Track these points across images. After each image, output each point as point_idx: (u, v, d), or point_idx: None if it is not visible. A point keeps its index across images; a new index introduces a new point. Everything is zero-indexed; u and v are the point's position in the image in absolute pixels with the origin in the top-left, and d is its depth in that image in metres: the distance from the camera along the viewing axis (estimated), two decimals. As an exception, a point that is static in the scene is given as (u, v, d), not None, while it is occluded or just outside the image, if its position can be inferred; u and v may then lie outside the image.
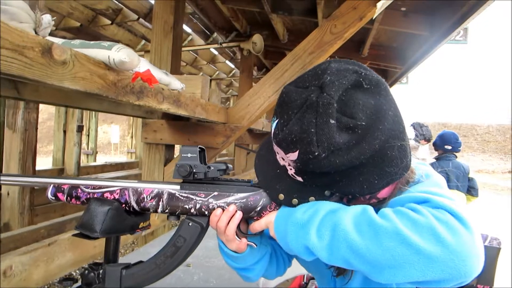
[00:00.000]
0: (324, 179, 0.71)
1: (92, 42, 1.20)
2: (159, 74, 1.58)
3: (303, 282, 1.97)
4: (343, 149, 0.65)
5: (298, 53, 2.52)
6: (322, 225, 0.68)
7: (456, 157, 4.09)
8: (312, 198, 0.74)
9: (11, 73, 0.84)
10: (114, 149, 18.07)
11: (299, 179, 0.74)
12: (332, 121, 0.65)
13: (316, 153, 0.65)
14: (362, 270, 0.65)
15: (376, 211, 0.68)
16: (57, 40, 1.13)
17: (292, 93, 0.70)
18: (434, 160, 4.21)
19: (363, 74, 0.68)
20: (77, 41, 1.20)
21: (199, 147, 0.84)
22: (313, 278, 1.99)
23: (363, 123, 0.65)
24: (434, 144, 4.29)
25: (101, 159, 10.72)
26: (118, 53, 1.17)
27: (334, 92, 0.65)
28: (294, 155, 0.69)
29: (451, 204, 0.64)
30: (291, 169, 0.73)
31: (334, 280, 0.94)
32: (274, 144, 0.74)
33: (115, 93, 1.28)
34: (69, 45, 1.11)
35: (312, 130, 0.65)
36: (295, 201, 0.75)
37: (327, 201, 0.74)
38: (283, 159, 0.73)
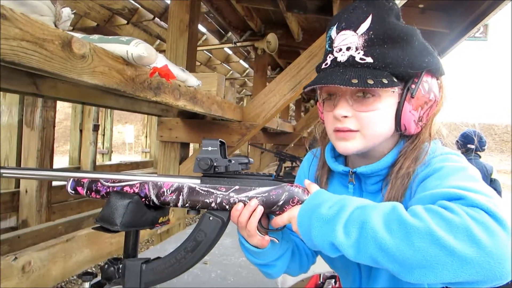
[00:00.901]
0: (391, 54, 0.77)
1: (110, 37, 1.20)
2: (176, 70, 1.57)
3: (319, 282, 1.95)
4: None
5: (314, 50, 2.48)
6: (349, 222, 0.66)
7: (480, 157, 3.97)
8: (385, 79, 0.76)
9: (31, 66, 0.84)
10: (128, 149, 18.26)
11: (370, 59, 0.78)
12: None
13: (390, 4, 0.79)
14: (390, 269, 0.62)
15: (406, 207, 0.65)
16: (76, 35, 1.13)
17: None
18: None
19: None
20: (95, 36, 1.20)
21: (220, 140, 0.82)
22: (329, 278, 1.96)
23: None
24: (457, 142, 4.18)
25: (116, 159, 10.83)
26: (137, 48, 1.17)
27: None
28: (366, 24, 0.78)
29: (488, 202, 0.61)
30: (359, 53, 0.78)
31: (360, 278, 0.92)
32: (336, 35, 0.81)
33: (133, 88, 1.27)
34: (88, 40, 1.11)
35: None
36: (370, 81, 0.76)
37: (353, 197, 0.71)
38: (349, 48, 0.79)
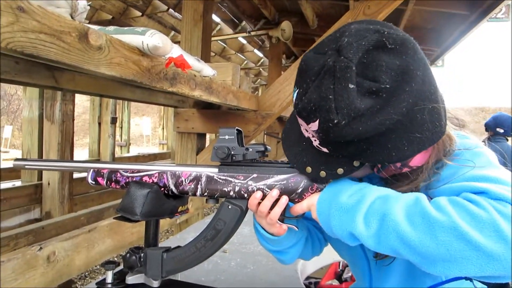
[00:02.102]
0: (349, 149, 0.66)
1: (126, 28, 1.20)
2: (191, 60, 1.57)
3: (338, 270, 1.94)
4: (366, 115, 0.61)
5: (329, 37, 2.45)
6: (370, 213, 0.65)
7: (508, 140, 3.88)
8: (341, 169, 0.70)
9: (50, 58, 0.84)
10: (146, 141, 18.49)
11: (325, 150, 0.70)
12: (352, 86, 0.60)
13: (336, 121, 0.62)
14: (412, 260, 0.61)
15: (426, 194, 0.64)
16: (92, 27, 1.14)
17: (311, 60, 0.67)
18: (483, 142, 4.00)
19: (385, 33, 0.62)
20: (111, 28, 1.20)
21: (237, 129, 0.82)
22: (349, 266, 1.96)
23: (387, 86, 0.60)
24: (486, 124, 4.09)
25: (134, 151, 10.99)
26: (152, 38, 1.17)
27: (353, 54, 0.61)
28: (315, 125, 0.66)
29: None
30: (315, 140, 0.70)
31: (369, 269, 0.91)
32: (296, 115, 0.72)
33: (149, 79, 1.27)
34: (104, 32, 1.11)
35: (330, 96, 0.62)
36: (322, 173, 0.72)
37: (374, 186, 0.70)
38: (307, 131, 0.71)
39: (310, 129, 0.68)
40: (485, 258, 0.54)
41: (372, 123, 0.61)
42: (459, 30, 3.73)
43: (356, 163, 0.70)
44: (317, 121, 0.65)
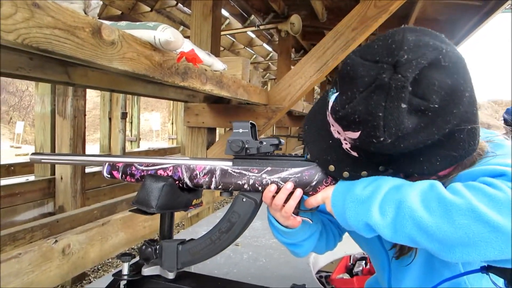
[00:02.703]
0: (382, 158, 0.67)
1: (137, 23, 1.21)
2: (202, 55, 1.57)
3: (349, 264, 1.95)
4: (410, 134, 0.60)
5: (340, 29, 2.42)
6: (385, 202, 0.64)
7: None
8: (365, 172, 0.70)
9: (64, 54, 0.85)
10: (155, 136, 18.60)
11: (354, 154, 0.70)
12: (404, 106, 0.58)
13: (382, 139, 0.60)
14: (429, 248, 0.60)
15: (444, 186, 0.63)
16: (105, 22, 1.14)
17: (359, 66, 0.62)
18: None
19: (443, 50, 0.59)
20: (123, 23, 1.20)
21: (251, 122, 0.82)
22: (360, 260, 1.96)
23: (436, 106, 0.58)
24: (504, 119, 4.02)
25: (144, 146, 11.07)
26: (164, 33, 1.17)
27: (410, 73, 0.58)
28: (354, 135, 0.64)
29: None
30: (346, 143, 0.69)
31: (388, 262, 0.90)
32: (330, 117, 0.70)
33: (161, 74, 1.28)
34: (116, 27, 1.12)
35: (380, 114, 0.59)
36: (346, 174, 0.72)
37: (388, 177, 0.70)
38: (339, 133, 0.69)
39: (346, 135, 0.67)
40: (505, 239, 0.54)
41: (414, 141, 0.61)
42: (472, 22, 3.67)
43: (381, 168, 0.70)
44: (359, 132, 0.63)
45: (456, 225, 0.56)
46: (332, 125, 0.70)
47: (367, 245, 0.96)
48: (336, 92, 0.67)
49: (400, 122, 0.59)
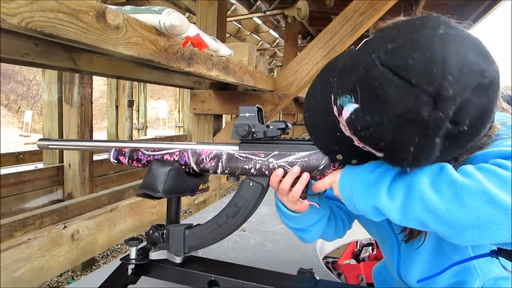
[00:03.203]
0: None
1: (142, 7, 1.19)
2: (208, 40, 1.55)
3: (356, 250, 1.95)
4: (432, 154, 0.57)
5: (348, 14, 2.38)
6: (394, 185, 0.63)
7: None
8: (373, 159, 0.68)
9: (68, 38, 0.84)
10: (162, 124, 18.66)
11: (368, 149, 0.65)
12: (438, 140, 0.54)
13: (405, 163, 0.59)
14: (439, 231, 0.59)
15: (455, 169, 0.62)
16: (109, 6, 1.13)
17: (390, 86, 0.53)
18: None
19: (487, 74, 0.53)
20: (128, 7, 1.19)
21: (257, 106, 0.81)
22: (366, 245, 1.96)
23: (465, 128, 0.54)
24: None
25: (151, 134, 11.11)
26: (169, 17, 1.16)
27: (452, 109, 0.52)
28: (374, 151, 0.62)
29: None
30: (359, 143, 0.64)
31: (398, 246, 0.90)
32: (346, 127, 0.63)
33: (167, 59, 1.27)
34: (121, 11, 1.11)
35: (411, 148, 0.55)
36: (354, 161, 0.71)
37: None
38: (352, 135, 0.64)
39: (359, 143, 0.64)
40: None
41: (434, 159, 0.59)
42: (484, 4, 3.59)
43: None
44: (381, 154, 0.61)
45: (467, 207, 0.55)
46: (344, 126, 0.65)
47: (376, 229, 0.96)
48: (355, 102, 0.59)
49: (430, 154, 0.56)
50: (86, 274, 3.35)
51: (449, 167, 0.61)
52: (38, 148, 1.00)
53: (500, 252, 0.66)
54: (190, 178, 0.86)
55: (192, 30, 1.40)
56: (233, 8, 4.92)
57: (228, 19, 4.58)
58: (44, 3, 0.78)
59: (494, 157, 0.61)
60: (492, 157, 0.62)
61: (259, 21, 6.08)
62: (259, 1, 4.57)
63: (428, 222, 0.59)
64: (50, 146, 0.96)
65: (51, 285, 3.31)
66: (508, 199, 0.53)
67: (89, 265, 3.57)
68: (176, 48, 1.31)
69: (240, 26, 6.10)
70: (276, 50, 7.93)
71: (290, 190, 0.79)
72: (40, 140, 0.97)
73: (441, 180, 0.59)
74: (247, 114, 0.80)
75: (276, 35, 6.86)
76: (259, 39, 7.06)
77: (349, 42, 2.41)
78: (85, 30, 0.89)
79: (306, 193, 0.83)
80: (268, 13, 4.43)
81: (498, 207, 0.53)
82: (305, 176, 0.77)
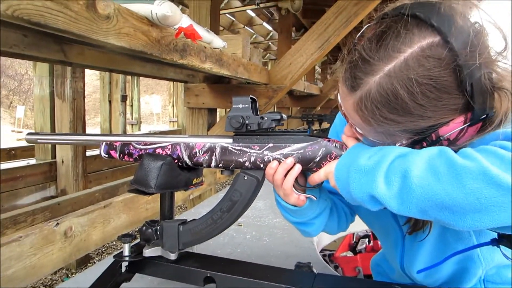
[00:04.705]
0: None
1: (133, -3, 1.16)
2: (201, 31, 1.52)
3: (352, 242, 1.94)
4: None
5: (342, 5, 2.36)
6: (391, 171, 0.60)
7: None
8: None
9: (57, 27, 0.82)
10: (156, 119, 18.57)
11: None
12: None
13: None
14: (439, 218, 0.57)
15: (455, 152, 0.60)
16: (98, -4, 1.10)
17: None
18: None
19: None
20: (118, -3, 1.16)
21: (251, 97, 0.79)
22: (363, 237, 1.95)
23: None
24: None
25: (145, 129, 11.06)
26: (161, 7, 1.13)
27: None
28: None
29: None
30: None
31: (402, 238, 0.88)
32: None
33: (159, 50, 1.24)
34: (111, 0, 1.08)
35: None
36: None
37: (395, 146, 0.65)
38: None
39: None
40: None
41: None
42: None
43: None
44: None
45: (467, 190, 0.53)
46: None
47: (379, 222, 0.93)
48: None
49: None
50: (81, 272, 3.33)
51: (448, 149, 0.58)
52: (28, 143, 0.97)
53: (501, 240, 0.65)
54: (183, 172, 0.84)
55: (185, 21, 1.37)
56: (226, 0, 4.87)
57: (221, 12, 4.54)
58: (30, -9, 0.75)
59: (495, 139, 0.59)
60: (492, 139, 0.60)
61: (252, 14, 6.04)
62: (252, -7, 4.54)
63: (427, 209, 0.57)
64: (39, 140, 0.93)
65: (45, 283, 3.29)
66: (509, 179, 0.51)
67: (84, 262, 3.55)
68: (168, 40, 1.29)
69: (234, 19, 6.06)
70: (270, 43, 7.90)
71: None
72: (28, 134, 0.94)
73: (440, 163, 0.56)
74: (240, 106, 0.78)
75: (270, 28, 6.83)
76: (253, 32, 7.02)
77: (343, 33, 2.39)
78: (74, 19, 0.87)
79: (304, 186, 0.81)
80: (261, 5, 4.41)
81: (500, 188, 0.51)
82: (297, 167, 0.75)
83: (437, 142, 0.63)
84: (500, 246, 0.66)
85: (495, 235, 0.66)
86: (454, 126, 0.61)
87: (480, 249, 0.76)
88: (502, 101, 0.60)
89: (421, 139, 0.64)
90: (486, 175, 0.52)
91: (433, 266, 0.79)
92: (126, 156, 0.87)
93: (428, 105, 0.59)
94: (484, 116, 0.60)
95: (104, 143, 0.89)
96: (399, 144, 0.66)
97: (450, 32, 0.56)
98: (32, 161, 3.74)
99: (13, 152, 4.60)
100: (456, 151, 0.59)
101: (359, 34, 0.67)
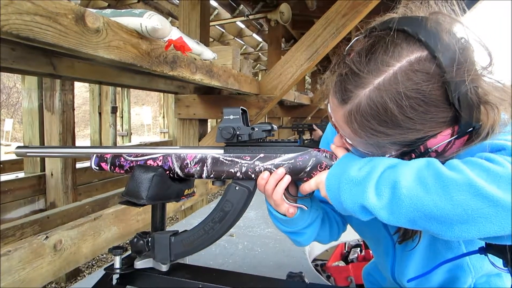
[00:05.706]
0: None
1: (123, 10, 1.17)
2: (191, 43, 1.54)
3: (344, 251, 1.95)
4: None
5: (330, 16, 2.39)
6: (381, 182, 0.62)
7: None
8: None
9: (46, 41, 0.82)
10: (147, 130, 18.48)
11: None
12: None
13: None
14: (428, 228, 0.58)
15: (443, 163, 0.61)
16: (89, 9, 1.11)
17: None
18: None
19: None
20: (108, 10, 1.17)
21: (241, 108, 0.80)
22: (354, 247, 1.96)
23: None
24: None
25: (135, 140, 10.99)
26: (150, 20, 1.14)
27: None
28: None
29: None
30: None
31: (393, 247, 0.89)
32: None
33: (149, 63, 1.25)
34: (101, 14, 1.08)
35: None
36: None
37: (385, 157, 0.67)
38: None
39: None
40: (505, 214, 0.52)
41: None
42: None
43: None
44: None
45: (454, 201, 0.54)
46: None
47: (370, 231, 0.94)
48: None
49: None
50: (70, 285, 3.27)
51: (435, 161, 0.60)
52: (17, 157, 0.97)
53: (489, 249, 0.66)
54: (174, 183, 0.84)
55: (174, 33, 1.38)
56: (216, 12, 4.91)
57: (211, 23, 4.57)
58: (20, 5, 0.75)
59: (481, 151, 0.61)
60: (479, 150, 0.61)
61: (242, 25, 6.08)
62: (241, 5, 4.58)
63: (416, 219, 0.58)
64: (28, 154, 0.93)
65: (34, 298, 3.21)
66: (496, 191, 0.52)
67: (74, 276, 3.49)
68: (158, 52, 1.29)
69: (224, 31, 6.09)
70: (260, 54, 7.95)
71: None
72: (18, 147, 0.93)
73: (428, 174, 0.58)
74: (231, 117, 0.79)
75: (259, 39, 6.88)
76: (243, 43, 7.06)
77: (332, 45, 2.42)
78: (63, 33, 0.87)
79: (295, 196, 0.82)
80: (251, 17, 4.43)
81: (486, 200, 0.52)
82: (286, 178, 0.76)
83: (425, 153, 0.64)
84: (488, 254, 0.67)
85: (483, 244, 0.67)
86: (442, 138, 0.62)
87: (470, 258, 0.77)
88: (488, 114, 0.61)
89: (410, 151, 0.65)
90: (472, 187, 0.53)
91: (423, 275, 0.80)
92: (117, 168, 0.87)
93: (416, 118, 0.60)
94: (471, 129, 0.61)
95: (94, 155, 0.89)
96: (388, 155, 0.67)
97: (437, 48, 0.57)
98: (21, 174, 3.69)
99: (1, 165, 4.53)
100: (443, 163, 0.60)
101: (348, 47, 0.69)
